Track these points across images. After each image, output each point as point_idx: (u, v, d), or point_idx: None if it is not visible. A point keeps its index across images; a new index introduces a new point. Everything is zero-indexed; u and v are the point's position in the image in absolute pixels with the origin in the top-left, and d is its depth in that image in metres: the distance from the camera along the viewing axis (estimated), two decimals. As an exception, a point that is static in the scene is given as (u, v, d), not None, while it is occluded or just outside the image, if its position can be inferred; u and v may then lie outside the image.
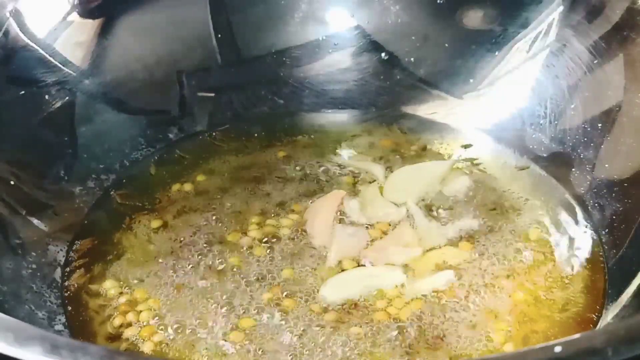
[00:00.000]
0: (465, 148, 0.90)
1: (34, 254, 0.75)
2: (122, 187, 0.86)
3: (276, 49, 0.96)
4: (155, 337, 0.69)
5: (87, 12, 0.87)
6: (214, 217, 0.81)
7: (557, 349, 0.44)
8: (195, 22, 0.94)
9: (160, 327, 0.70)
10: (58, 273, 0.76)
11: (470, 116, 0.92)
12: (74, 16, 0.87)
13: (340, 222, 0.80)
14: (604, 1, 0.83)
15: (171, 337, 0.69)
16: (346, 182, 0.85)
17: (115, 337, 0.70)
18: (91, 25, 0.88)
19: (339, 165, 0.88)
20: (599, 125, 0.81)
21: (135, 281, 0.75)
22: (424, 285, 0.73)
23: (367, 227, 0.79)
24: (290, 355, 0.67)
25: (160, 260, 0.77)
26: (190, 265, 0.76)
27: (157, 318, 0.71)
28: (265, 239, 0.78)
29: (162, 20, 0.93)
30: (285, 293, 0.73)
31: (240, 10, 0.96)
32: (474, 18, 0.92)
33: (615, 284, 0.72)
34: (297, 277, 0.74)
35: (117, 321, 0.71)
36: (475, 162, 0.88)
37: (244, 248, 0.78)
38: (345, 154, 0.90)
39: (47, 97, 0.83)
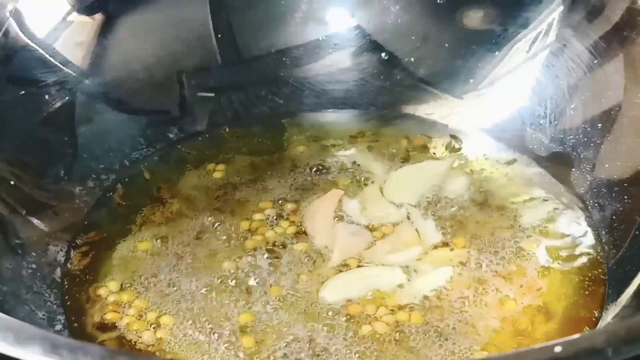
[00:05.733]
0: (464, 148, 0.90)
1: (34, 254, 0.75)
2: (122, 187, 0.86)
3: (276, 49, 0.96)
4: (155, 337, 0.69)
5: (85, 9, 0.87)
6: (213, 218, 0.81)
7: (557, 349, 0.44)
8: (195, 22, 0.94)
9: (161, 327, 0.70)
10: (58, 273, 0.76)
11: (470, 116, 0.92)
12: (74, 16, 0.87)
13: (340, 222, 0.80)
14: (604, 1, 0.83)
15: (171, 336, 0.69)
16: (345, 183, 0.85)
17: (116, 336, 0.70)
18: (91, 25, 0.88)
19: (339, 165, 0.88)
20: (599, 125, 0.81)
21: (136, 281, 0.75)
22: (423, 285, 0.73)
23: (367, 228, 0.80)
24: (288, 356, 0.67)
25: (160, 261, 0.77)
26: (190, 265, 0.76)
27: (157, 318, 0.71)
28: (265, 239, 0.78)
29: (162, 20, 0.93)
30: (284, 293, 0.73)
31: (240, 10, 0.96)
32: (474, 18, 0.92)
33: (615, 284, 0.72)
34: (297, 278, 0.74)
35: (117, 321, 0.71)
36: (474, 162, 0.88)
37: (243, 248, 0.78)
38: (344, 154, 0.90)
39: (47, 97, 0.83)
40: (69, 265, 0.77)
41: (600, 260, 0.76)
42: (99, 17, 0.88)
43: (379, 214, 0.81)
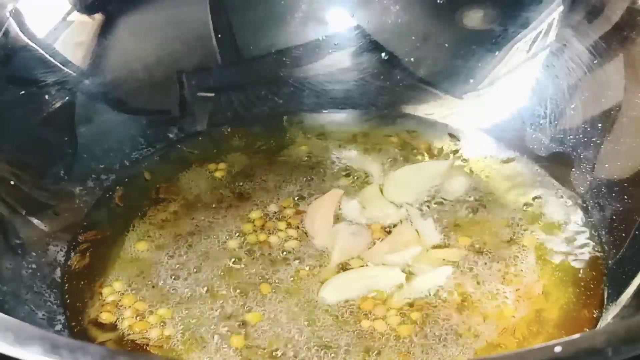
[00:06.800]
0: (464, 148, 0.90)
1: (34, 254, 0.75)
2: (122, 187, 0.86)
3: (276, 49, 0.96)
4: (154, 336, 0.69)
5: (86, 8, 0.87)
6: (212, 218, 0.81)
7: (557, 349, 0.44)
8: (195, 22, 0.94)
9: (160, 327, 0.70)
10: (58, 273, 0.76)
11: (470, 116, 0.92)
12: (74, 16, 0.87)
13: (340, 222, 0.80)
14: (604, 1, 0.83)
15: (171, 336, 0.69)
16: (345, 183, 0.85)
17: (116, 337, 0.70)
18: (91, 25, 0.88)
19: (339, 165, 0.88)
20: (599, 125, 0.81)
21: (136, 281, 0.75)
22: (423, 285, 0.73)
23: (367, 228, 0.80)
24: (288, 355, 0.67)
25: (160, 260, 0.77)
26: (190, 266, 0.76)
27: (157, 317, 0.71)
28: (264, 239, 0.78)
29: (162, 20, 0.93)
30: (284, 294, 0.73)
31: (240, 10, 0.96)
32: (474, 18, 0.92)
33: (615, 284, 0.72)
34: (297, 278, 0.74)
35: (117, 321, 0.71)
36: (474, 162, 0.88)
37: (243, 248, 0.78)
38: (344, 154, 0.90)
39: (47, 97, 0.83)
40: (69, 265, 0.77)
41: (600, 260, 0.76)
42: (99, 17, 0.88)
43: (378, 214, 0.81)
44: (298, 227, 0.80)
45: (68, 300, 0.73)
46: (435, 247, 0.77)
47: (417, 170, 0.87)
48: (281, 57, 0.97)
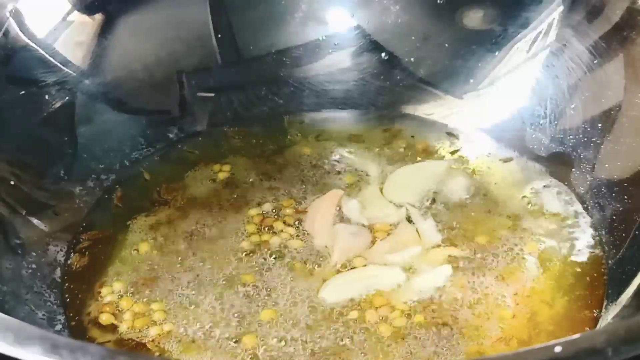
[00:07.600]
0: (464, 148, 0.90)
1: (34, 254, 0.75)
2: (122, 187, 0.86)
3: (276, 49, 0.96)
4: (154, 336, 0.69)
5: (86, 8, 0.87)
6: (212, 218, 0.81)
7: (557, 349, 0.44)
8: (195, 22, 0.94)
9: (161, 326, 0.70)
10: (58, 273, 0.76)
11: (470, 116, 0.92)
12: (74, 16, 0.87)
13: (340, 222, 0.80)
14: (604, 1, 0.83)
15: (171, 336, 0.69)
16: (345, 183, 0.85)
17: (116, 336, 0.70)
18: (91, 25, 0.88)
19: (339, 166, 0.88)
20: (599, 125, 0.81)
21: (136, 281, 0.75)
22: (423, 285, 0.73)
23: (367, 228, 0.80)
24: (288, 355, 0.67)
25: (160, 260, 0.77)
26: (189, 266, 0.76)
27: (157, 317, 0.71)
28: (264, 240, 0.78)
29: (162, 20, 0.93)
30: (284, 294, 0.73)
31: (240, 10, 0.96)
32: (474, 18, 0.92)
33: (615, 284, 0.72)
34: (297, 278, 0.74)
35: (117, 321, 0.71)
36: (474, 162, 0.88)
37: (243, 249, 0.78)
38: (344, 154, 0.90)
39: (47, 97, 0.84)
40: (69, 265, 0.77)
41: (601, 260, 0.76)
42: (99, 17, 0.88)
43: (379, 214, 0.81)
44: (298, 227, 0.80)
45: (68, 300, 0.73)
46: (435, 247, 0.77)
47: (417, 170, 0.87)
48: (281, 57, 0.97)
